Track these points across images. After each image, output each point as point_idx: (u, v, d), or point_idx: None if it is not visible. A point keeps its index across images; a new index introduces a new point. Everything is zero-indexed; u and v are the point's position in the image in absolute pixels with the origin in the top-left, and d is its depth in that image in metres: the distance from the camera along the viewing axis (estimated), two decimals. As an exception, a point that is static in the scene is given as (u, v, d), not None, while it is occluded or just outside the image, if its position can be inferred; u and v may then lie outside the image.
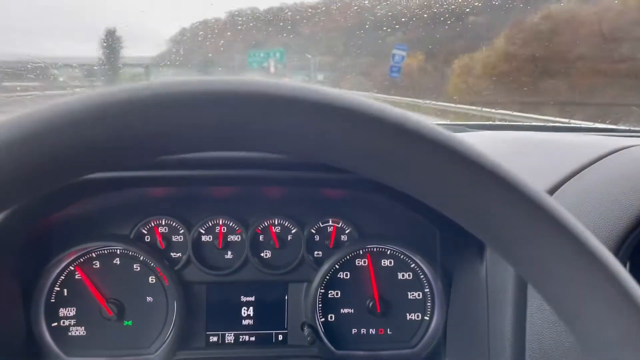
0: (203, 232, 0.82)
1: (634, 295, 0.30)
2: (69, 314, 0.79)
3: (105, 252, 0.80)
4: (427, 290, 0.86)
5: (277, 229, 0.84)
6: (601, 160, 0.74)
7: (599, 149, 0.75)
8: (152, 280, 0.81)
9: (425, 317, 0.86)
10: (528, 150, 0.82)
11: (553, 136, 0.95)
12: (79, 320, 0.79)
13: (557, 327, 0.69)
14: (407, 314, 0.86)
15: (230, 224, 0.82)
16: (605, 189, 0.70)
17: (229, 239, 0.82)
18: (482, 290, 0.76)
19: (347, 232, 0.85)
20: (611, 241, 0.67)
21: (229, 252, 0.83)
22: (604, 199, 0.69)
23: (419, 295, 0.86)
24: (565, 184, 0.72)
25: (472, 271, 0.78)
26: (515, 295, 0.71)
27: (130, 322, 0.81)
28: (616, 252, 0.67)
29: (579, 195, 0.71)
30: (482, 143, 0.91)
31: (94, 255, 0.80)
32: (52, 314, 0.78)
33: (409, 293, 0.86)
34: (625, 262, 0.67)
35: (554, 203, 0.31)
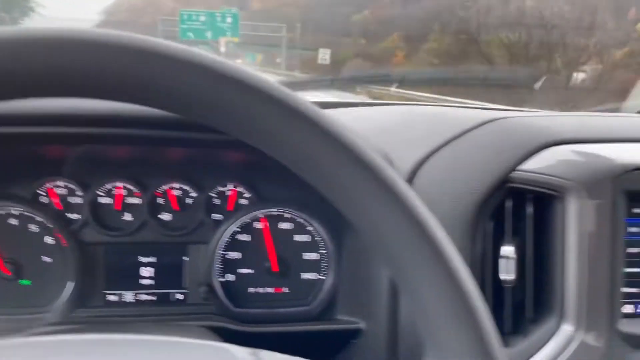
0: (101, 194, 0.84)
1: (417, 216, 0.36)
2: (-37, 273, 0.80)
3: (2, 212, 0.81)
4: (324, 251, 0.91)
5: (177, 192, 0.87)
6: (472, 130, 0.80)
7: (472, 120, 0.82)
8: (49, 241, 0.82)
9: (321, 277, 0.91)
10: (410, 121, 0.88)
11: (436, 109, 1.02)
12: None
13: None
14: (304, 274, 0.91)
15: (129, 187, 0.85)
16: (473, 155, 0.77)
17: (127, 202, 0.85)
18: (365, 250, 0.82)
19: (246, 196, 0.89)
20: (475, 202, 0.74)
21: (128, 214, 0.85)
22: (470, 165, 0.76)
23: (315, 256, 0.92)
24: (439, 151, 0.79)
25: (358, 232, 0.84)
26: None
27: (28, 282, 0.82)
28: (479, 213, 0.74)
29: (450, 161, 0.78)
30: (366, 117, 0.97)
31: (-12, 215, 0.80)
32: (-55, 274, 0.79)
33: (305, 254, 0.91)
34: (486, 222, 0.74)
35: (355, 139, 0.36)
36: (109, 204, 0.84)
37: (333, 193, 0.41)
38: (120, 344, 0.43)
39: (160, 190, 0.86)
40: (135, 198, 0.85)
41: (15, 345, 0.42)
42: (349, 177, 0.38)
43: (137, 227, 0.85)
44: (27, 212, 0.81)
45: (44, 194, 0.82)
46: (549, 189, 0.72)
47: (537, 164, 0.73)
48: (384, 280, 0.78)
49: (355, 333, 0.83)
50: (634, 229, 0.74)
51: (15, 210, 0.81)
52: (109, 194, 0.84)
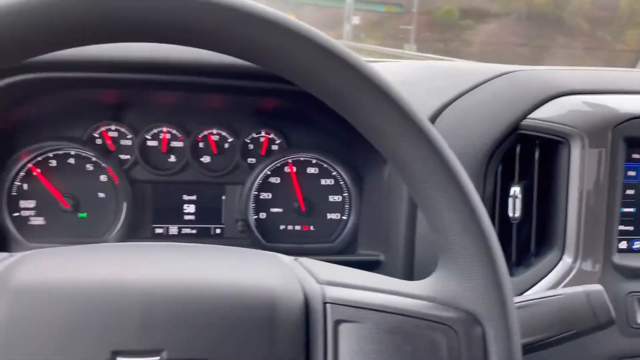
0: (149, 137, 0.93)
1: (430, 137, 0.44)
2: (29, 205, 0.90)
3: (60, 152, 0.90)
4: (346, 194, 1.00)
5: (216, 137, 0.95)
6: (487, 82, 0.87)
7: (486, 73, 0.89)
8: (103, 179, 0.92)
9: (344, 217, 1.01)
10: (429, 75, 0.95)
11: (452, 64, 1.08)
12: (39, 211, 0.90)
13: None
14: (328, 214, 1.01)
15: (173, 132, 0.94)
16: (487, 105, 0.84)
17: (172, 145, 0.94)
18: (385, 191, 0.91)
19: (277, 142, 0.98)
20: (487, 147, 0.81)
21: (172, 156, 0.94)
22: (484, 113, 0.84)
23: (338, 198, 1.01)
24: (456, 101, 0.86)
25: (379, 175, 0.93)
26: (409, 194, 0.86)
27: (85, 215, 0.92)
28: (490, 157, 0.82)
29: (466, 110, 0.85)
30: (394, 69, 1.04)
31: (50, 155, 0.90)
32: (13, 206, 0.89)
33: (330, 196, 1.01)
34: (497, 165, 0.82)
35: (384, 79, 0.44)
36: (156, 147, 0.93)
37: (368, 130, 0.48)
38: (188, 248, 0.52)
39: (201, 135, 0.95)
40: (179, 142, 0.94)
41: (99, 247, 0.52)
42: (381, 114, 0.46)
43: (180, 168, 0.94)
44: (84, 152, 0.90)
45: (99, 136, 0.92)
46: (555, 135, 0.79)
47: (546, 113, 0.81)
48: (402, 217, 0.87)
49: (375, 264, 0.93)
50: (632, 173, 0.81)
51: (73, 151, 0.90)
52: (155, 137, 0.93)
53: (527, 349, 0.55)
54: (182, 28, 0.39)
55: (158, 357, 0.40)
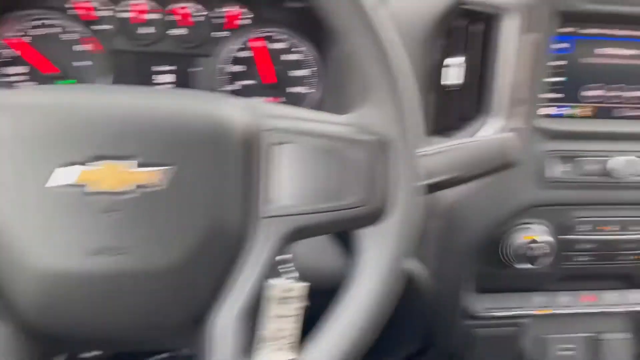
0: (127, 9, 1.01)
1: None
2: (21, 71, 0.99)
3: (47, 21, 0.98)
4: (314, 68, 1.09)
5: (189, 10, 1.03)
6: None
7: None
8: (87, 47, 1.01)
9: (311, 90, 1.11)
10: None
11: None
12: (32, 77, 1.00)
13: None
14: (296, 88, 1.10)
15: (151, 2, 1.01)
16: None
17: (149, 16, 1.02)
18: (346, 65, 1.00)
19: (248, 16, 1.06)
20: (432, 20, 0.90)
21: (150, 27, 1.02)
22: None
23: (306, 72, 1.10)
24: None
25: (342, 49, 1.02)
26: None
27: (74, 81, 1.02)
28: (436, 29, 0.90)
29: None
30: None
31: (38, 23, 0.98)
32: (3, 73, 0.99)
33: (297, 71, 1.10)
34: (441, 37, 0.91)
35: None
36: (134, 17, 1.01)
37: None
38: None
39: (176, 7, 1.02)
40: (156, 14, 1.02)
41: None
42: None
43: (157, 39, 1.02)
44: (65, 22, 0.99)
45: (81, 6, 0.99)
46: (492, 8, 0.87)
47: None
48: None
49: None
50: (564, 45, 0.90)
51: (56, 21, 0.98)
52: (134, 8, 1.01)
53: (445, 184, 0.65)
54: None
55: (135, 161, 0.52)
